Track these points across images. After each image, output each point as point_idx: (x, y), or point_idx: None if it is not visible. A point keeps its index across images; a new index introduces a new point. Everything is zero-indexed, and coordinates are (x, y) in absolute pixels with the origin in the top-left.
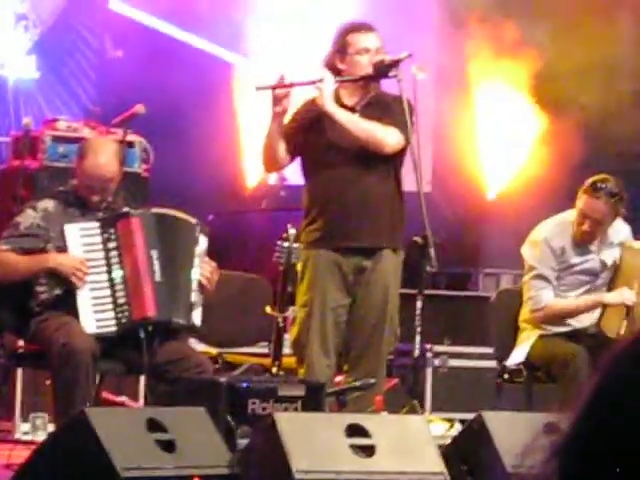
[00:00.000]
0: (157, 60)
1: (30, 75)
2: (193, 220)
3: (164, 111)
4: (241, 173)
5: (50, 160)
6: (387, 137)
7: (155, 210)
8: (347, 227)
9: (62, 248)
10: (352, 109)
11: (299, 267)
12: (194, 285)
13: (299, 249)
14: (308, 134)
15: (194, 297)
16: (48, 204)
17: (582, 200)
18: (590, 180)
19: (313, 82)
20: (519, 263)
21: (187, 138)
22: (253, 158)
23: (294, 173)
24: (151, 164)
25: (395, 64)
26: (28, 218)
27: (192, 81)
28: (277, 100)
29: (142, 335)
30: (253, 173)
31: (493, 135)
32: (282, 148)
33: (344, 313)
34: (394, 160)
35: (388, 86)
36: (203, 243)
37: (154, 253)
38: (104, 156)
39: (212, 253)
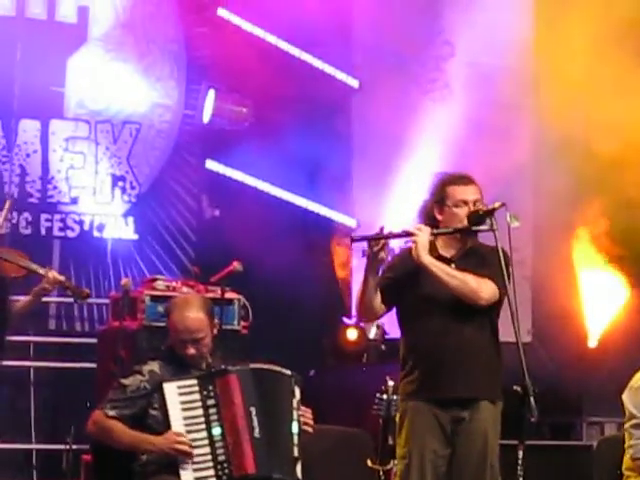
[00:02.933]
0: (254, 218)
1: (128, 236)
2: (288, 372)
3: (264, 268)
4: (342, 327)
5: (149, 320)
6: (482, 289)
7: (252, 366)
8: (443, 379)
9: (162, 407)
10: (449, 261)
11: (398, 419)
12: (294, 439)
13: (398, 401)
14: (404, 285)
15: (295, 451)
16: (154, 366)
17: None
18: None
19: (409, 234)
20: (623, 411)
21: (287, 294)
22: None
23: (394, 327)
24: (250, 321)
25: (489, 214)
26: (135, 381)
27: (292, 239)
28: (373, 252)
29: None
30: (353, 327)
31: (593, 283)
32: (378, 299)
33: (444, 464)
34: (490, 311)
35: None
36: (298, 394)
37: (253, 409)
38: (188, 309)
39: (314, 408)
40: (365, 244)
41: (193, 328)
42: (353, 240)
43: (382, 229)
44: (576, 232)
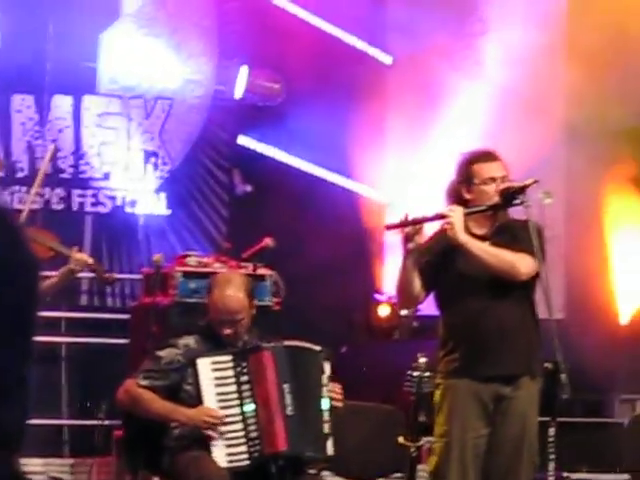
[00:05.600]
0: (286, 194)
1: (160, 212)
2: (317, 348)
3: (296, 244)
4: (373, 304)
5: (181, 296)
6: (521, 264)
7: (286, 343)
8: (485, 356)
9: (196, 382)
10: (482, 238)
11: (437, 397)
12: (325, 416)
13: (430, 378)
14: (441, 266)
15: (326, 428)
16: (189, 340)
17: None
18: None
19: (442, 216)
20: None
21: (319, 270)
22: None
23: (426, 304)
24: (282, 297)
25: (522, 191)
26: (170, 354)
27: (322, 214)
28: (408, 237)
29: (273, 470)
30: (385, 304)
31: (625, 260)
32: (417, 284)
33: (484, 443)
34: (527, 286)
35: (516, 212)
36: (328, 370)
37: (286, 387)
38: (230, 289)
39: (345, 384)
40: (399, 231)
41: (232, 309)
42: (387, 228)
43: (407, 216)
44: (608, 203)
